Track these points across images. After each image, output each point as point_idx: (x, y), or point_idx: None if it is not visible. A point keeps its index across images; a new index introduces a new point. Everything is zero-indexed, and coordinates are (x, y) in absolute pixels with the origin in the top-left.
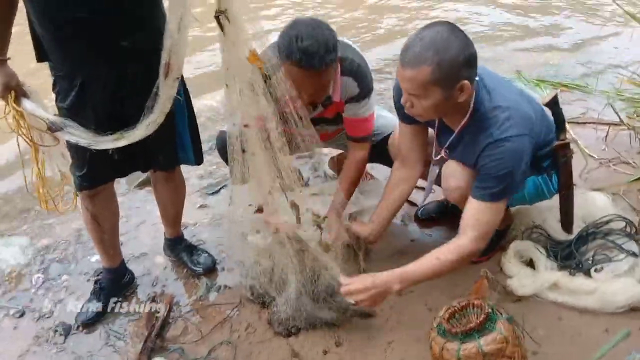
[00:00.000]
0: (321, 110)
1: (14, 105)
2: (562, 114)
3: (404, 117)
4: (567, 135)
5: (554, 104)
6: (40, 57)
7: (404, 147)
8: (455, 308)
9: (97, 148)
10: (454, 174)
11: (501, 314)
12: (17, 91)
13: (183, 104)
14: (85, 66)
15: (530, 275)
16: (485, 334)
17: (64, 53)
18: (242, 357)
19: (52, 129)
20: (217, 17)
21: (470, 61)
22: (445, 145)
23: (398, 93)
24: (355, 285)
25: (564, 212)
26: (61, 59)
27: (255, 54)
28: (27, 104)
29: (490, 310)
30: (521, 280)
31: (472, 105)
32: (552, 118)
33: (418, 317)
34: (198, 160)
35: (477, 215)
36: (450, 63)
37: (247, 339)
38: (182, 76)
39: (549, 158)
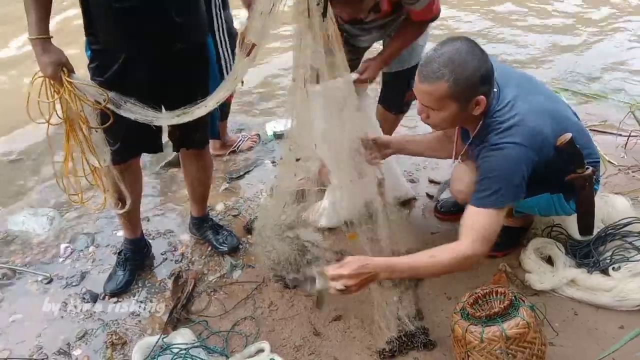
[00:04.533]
0: (374, 16)
1: (69, 80)
2: (580, 152)
3: None
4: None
5: (570, 146)
6: (87, 30)
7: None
8: (478, 294)
9: (158, 124)
10: (461, 178)
11: (524, 301)
12: (68, 67)
13: (217, 74)
14: (133, 41)
15: (549, 271)
16: (508, 319)
17: (114, 25)
18: (266, 332)
19: (115, 104)
20: None
21: (486, 77)
22: (462, 151)
23: None
24: (349, 269)
25: (582, 226)
26: (109, 31)
27: None
28: (80, 80)
29: (513, 297)
30: (540, 276)
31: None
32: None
33: (438, 305)
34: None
35: (472, 220)
36: (467, 80)
37: (270, 315)
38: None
39: (562, 179)
